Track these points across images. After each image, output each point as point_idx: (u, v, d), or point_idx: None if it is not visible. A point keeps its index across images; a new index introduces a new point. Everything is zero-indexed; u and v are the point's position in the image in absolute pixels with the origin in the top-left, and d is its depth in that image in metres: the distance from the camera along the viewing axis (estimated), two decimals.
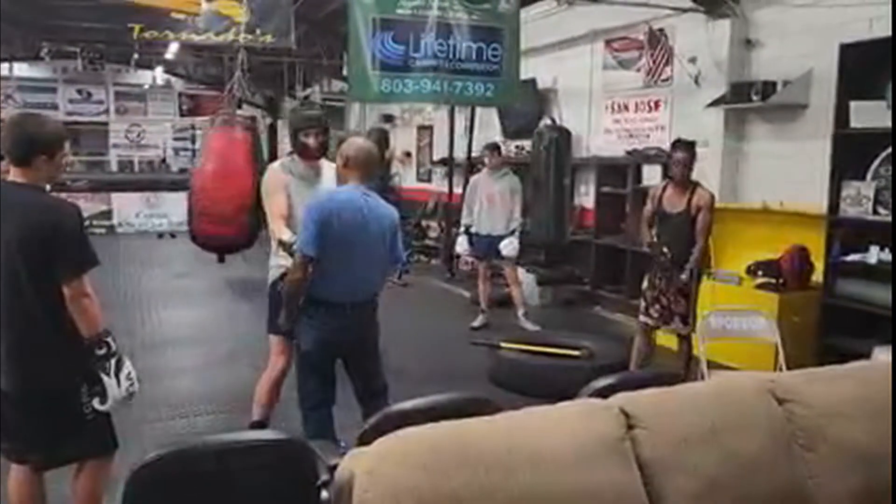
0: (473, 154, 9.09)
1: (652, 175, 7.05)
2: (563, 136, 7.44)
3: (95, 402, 2.65)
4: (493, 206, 6.71)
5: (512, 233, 6.67)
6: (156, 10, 7.48)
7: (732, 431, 2.03)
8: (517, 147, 9.15)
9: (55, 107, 19.08)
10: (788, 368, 3.82)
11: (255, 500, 1.96)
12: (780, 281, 5.37)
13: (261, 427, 3.68)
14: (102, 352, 2.60)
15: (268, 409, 3.78)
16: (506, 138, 9.18)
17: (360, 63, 5.87)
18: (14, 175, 2.59)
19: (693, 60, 6.66)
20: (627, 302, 7.13)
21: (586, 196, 8.33)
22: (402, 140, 12.92)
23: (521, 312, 6.85)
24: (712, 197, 4.69)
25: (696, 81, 6.60)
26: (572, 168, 7.71)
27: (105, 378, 2.61)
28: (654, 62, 7.32)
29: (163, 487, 1.84)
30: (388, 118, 13.06)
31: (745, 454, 2.00)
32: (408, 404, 2.28)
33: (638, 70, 7.54)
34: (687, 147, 4.67)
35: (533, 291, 7.82)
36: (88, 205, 13.82)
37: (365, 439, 2.04)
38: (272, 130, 19.51)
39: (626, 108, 7.75)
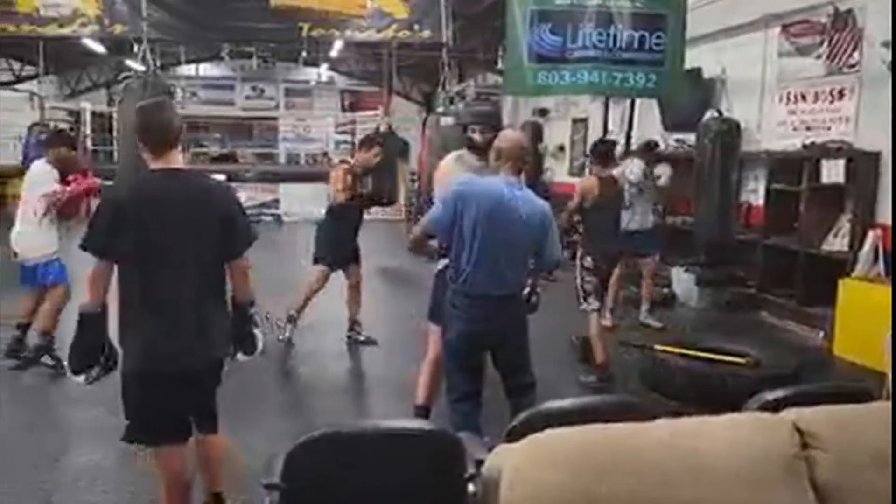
0: (632, 148, 8.76)
1: (834, 171, 6.43)
2: (731, 129, 6.98)
3: (240, 356, 2.93)
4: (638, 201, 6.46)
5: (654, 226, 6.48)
6: (322, 10, 7.85)
7: None
8: (677, 141, 8.72)
9: (232, 103, 20.69)
10: None
11: (403, 486, 1.98)
12: None
13: (424, 411, 3.79)
14: (254, 310, 2.92)
15: (430, 394, 3.86)
16: (665, 131, 8.78)
17: (515, 56, 5.83)
18: (163, 163, 2.71)
19: (887, 44, 5.98)
20: (799, 309, 6.62)
21: (753, 193, 7.78)
22: (556, 133, 12.74)
23: (645, 308, 6.64)
24: None
25: (892, 68, 5.92)
26: (739, 163, 7.23)
27: (257, 332, 2.94)
28: (838, 47, 6.67)
29: (318, 466, 1.91)
30: (543, 111, 12.93)
31: None
32: (558, 403, 2.22)
33: (818, 57, 6.91)
34: None
35: (691, 292, 7.42)
36: (258, 194, 14.88)
37: (512, 436, 2.01)
38: (426, 125, 19.96)
39: (804, 98, 7.14)
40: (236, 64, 19.91)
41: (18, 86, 16.27)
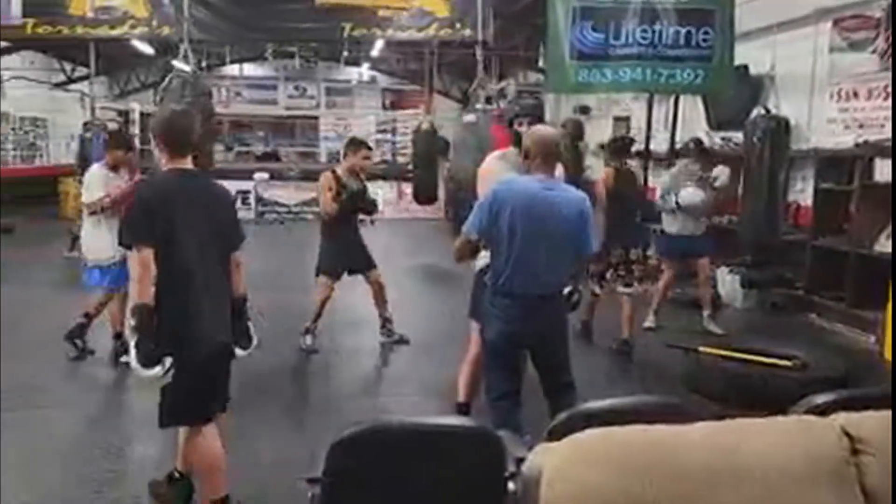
0: (676, 145, 8.64)
1: (887, 170, 6.23)
2: (779, 127, 6.80)
3: (238, 350, 3.08)
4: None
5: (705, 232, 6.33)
6: (365, 8, 7.90)
7: None
8: (723, 139, 8.55)
9: (275, 102, 20.99)
10: None
11: (443, 483, 1.99)
12: None
13: (465, 409, 3.81)
14: (248, 305, 3.14)
15: (470, 392, 3.88)
16: (711, 129, 8.62)
17: (557, 53, 5.79)
18: (180, 163, 2.96)
19: None
20: (849, 311, 6.45)
21: (801, 192, 7.59)
22: (598, 131, 12.62)
23: (706, 314, 6.43)
24: None
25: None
26: (789, 161, 7.04)
27: (251, 327, 3.14)
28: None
29: (359, 462, 1.93)
30: (584, 109, 12.81)
31: None
32: (599, 403, 2.19)
33: (873, 52, 6.70)
34: None
35: (736, 294, 7.28)
36: (299, 193, 15.06)
37: (552, 435, 2.00)
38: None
39: (856, 94, 6.93)
40: (279, 64, 20.18)
41: (70, 86, 16.77)
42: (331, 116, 20.56)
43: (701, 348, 4.94)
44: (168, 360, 2.80)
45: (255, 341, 3.15)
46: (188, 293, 2.81)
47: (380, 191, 11.00)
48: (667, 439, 1.82)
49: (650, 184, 9.05)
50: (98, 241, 5.04)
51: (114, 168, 5.16)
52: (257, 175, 14.79)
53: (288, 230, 13.14)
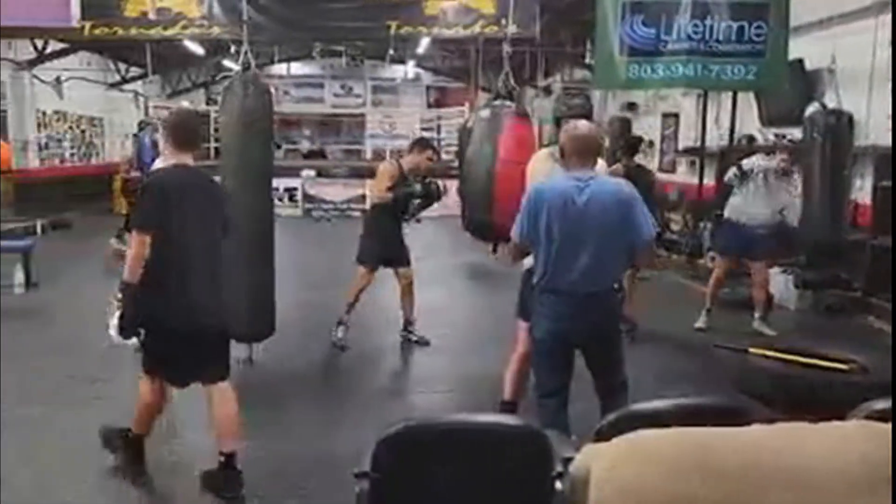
0: (722, 143, 8.46)
1: None
2: (841, 122, 6.58)
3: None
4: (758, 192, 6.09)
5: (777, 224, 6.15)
6: (412, 5, 7.92)
7: None
8: (776, 135, 8.32)
9: (321, 100, 21.26)
10: None
11: (490, 480, 1.98)
12: None
13: (511, 407, 3.79)
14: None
15: (517, 391, 3.86)
16: (763, 125, 8.40)
17: (606, 49, 5.71)
18: (183, 158, 3.32)
19: None
20: None
21: (860, 190, 7.35)
22: (645, 129, 12.45)
23: (758, 315, 6.24)
24: None
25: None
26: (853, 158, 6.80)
27: None
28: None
29: (406, 457, 1.93)
30: (631, 106, 12.65)
31: None
32: (650, 404, 2.16)
33: None
34: None
35: (790, 294, 7.08)
36: (346, 190, 15.20)
37: (601, 435, 1.98)
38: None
39: None
40: (326, 62, 20.45)
41: (124, 86, 17.25)
42: (377, 114, 20.75)
43: (751, 349, 4.83)
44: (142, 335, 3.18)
45: None
46: (177, 277, 3.17)
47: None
48: (718, 441, 1.78)
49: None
50: None
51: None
52: (304, 172, 14.99)
53: (333, 226, 13.29)
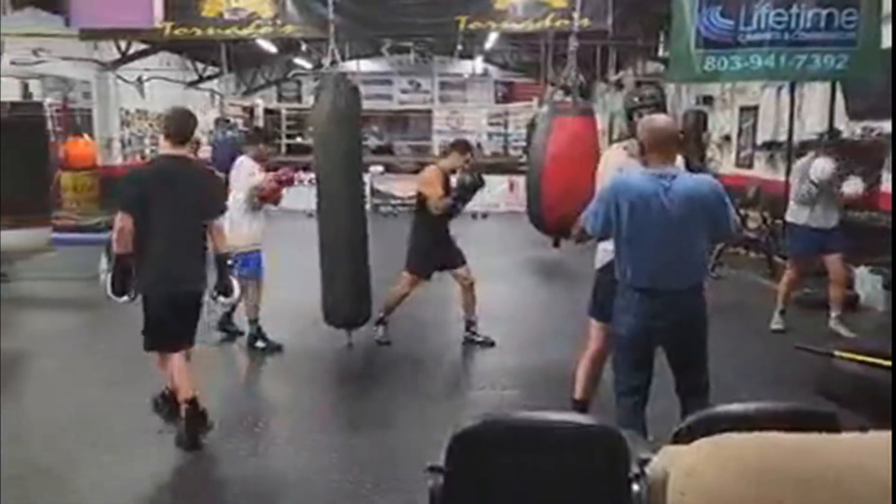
0: (803, 137, 8.12)
1: None
2: None
3: (221, 298, 4.12)
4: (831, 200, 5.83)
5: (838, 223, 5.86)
6: (482, 0, 7.90)
7: None
8: (864, 129, 7.93)
9: (389, 97, 21.45)
10: None
11: (564, 479, 1.96)
12: None
13: (581, 406, 3.74)
14: (230, 262, 4.07)
15: (588, 390, 3.81)
16: (850, 119, 8.01)
17: (682, 42, 5.58)
18: (176, 150, 3.88)
19: None
20: None
21: None
22: (721, 122, 12.08)
23: (835, 314, 5.96)
24: None
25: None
26: None
27: (233, 279, 4.07)
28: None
29: (481, 453, 1.93)
30: (707, 99, 12.28)
31: None
32: (728, 407, 2.10)
33: None
34: None
35: (877, 295, 6.74)
36: (413, 185, 15.28)
37: (681, 437, 1.93)
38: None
39: None
40: (394, 59, 20.61)
41: (200, 85, 17.83)
42: (444, 110, 20.79)
43: (836, 353, 4.62)
44: (132, 293, 3.74)
45: (236, 293, 4.21)
46: (158, 249, 3.69)
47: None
48: (807, 448, 1.71)
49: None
50: (239, 231, 5.23)
51: (260, 159, 5.46)
52: (373, 168, 15.18)
53: (399, 221, 13.42)
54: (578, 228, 3.32)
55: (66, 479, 3.54)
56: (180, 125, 3.96)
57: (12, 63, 5.77)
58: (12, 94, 5.16)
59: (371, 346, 5.49)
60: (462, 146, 5.78)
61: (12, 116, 5.14)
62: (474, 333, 5.68)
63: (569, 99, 5.33)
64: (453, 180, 5.55)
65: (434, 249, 5.48)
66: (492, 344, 5.64)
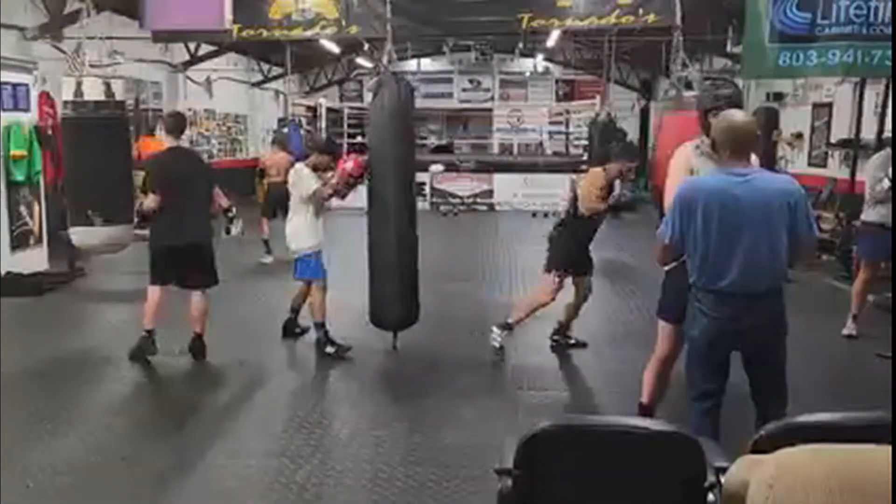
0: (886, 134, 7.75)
1: None
2: None
3: (223, 233, 5.65)
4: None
5: None
6: None
7: None
8: None
9: (450, 95, 21.45)
10: None
11: (636, 485, 1.92)
12: None
13: (647, 411, 3.66)
14: (231, 214, 5.55)
15: (655, 393, 3.73)
16: None
17: (756, 36, 5.39)
18: (175, 142, 5.19)
19: None
20: None
21: None
22: (793, 120, 11.65)
23: None
24: None
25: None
26: None
27: (235, 221, 5.60)
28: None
29: (550, 456, 1.90)
30: (778, 96, 11.87)
31: None
32: (809, 417, 2.00)
33: None
34: None
35: None
36: (473, 184, 15.29)
37: (759, 446, 1.85)
38: (643, 114, 19.24)
39: None
40: (455, 58, 20.62)
41: (265, 85, 18.22)
42: (504, 108, 20.67)
43: None
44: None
45: (239, 228, 5.68)
46: (174, 213, 4.94)
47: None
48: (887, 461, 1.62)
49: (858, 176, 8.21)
50: (301, 233, 5.29)
51: (315, 169, 5.37)
52: (432, 167, 15.22)
53: (458, 220, 13.45)
54: (659, 248, 3.17)
55: None
56: (178, 123, 5.26)
57: (91, 66, 5.98)
58: (97, 93, 5.39)
59: (419, 348, 5.44)
60: (627, 151, 5.61)
61: (97, 115, 5.39)
62: (569, 337, 5.61)
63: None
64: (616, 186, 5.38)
65: (580, 253, 5.38)
66: (584, 345, 5.57)
